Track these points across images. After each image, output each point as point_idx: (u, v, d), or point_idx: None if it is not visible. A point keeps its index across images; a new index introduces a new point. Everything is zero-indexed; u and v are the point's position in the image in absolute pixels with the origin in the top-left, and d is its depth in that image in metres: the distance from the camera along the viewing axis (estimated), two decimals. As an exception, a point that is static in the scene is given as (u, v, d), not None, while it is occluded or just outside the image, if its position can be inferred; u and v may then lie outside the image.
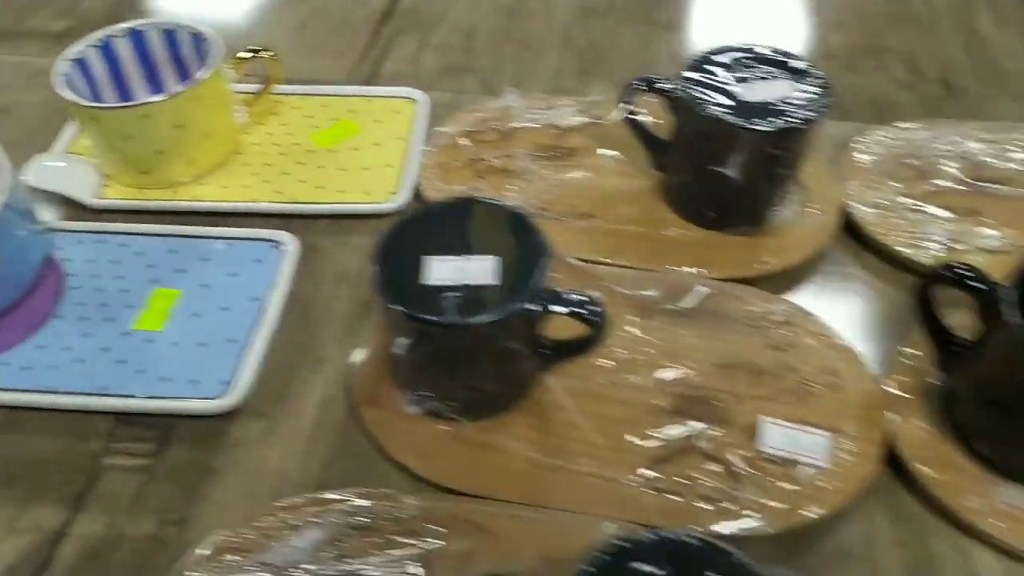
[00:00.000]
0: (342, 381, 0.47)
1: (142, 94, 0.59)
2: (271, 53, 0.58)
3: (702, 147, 0.49)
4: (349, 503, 0.39)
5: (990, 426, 0.41)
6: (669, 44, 0.72)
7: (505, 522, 0.39)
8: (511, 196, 0.54)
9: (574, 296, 0.40)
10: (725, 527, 0.39)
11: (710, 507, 0.40)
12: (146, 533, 0.41)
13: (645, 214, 0.53)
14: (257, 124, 0.60)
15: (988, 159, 0.56)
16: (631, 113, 0.52)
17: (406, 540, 0.37)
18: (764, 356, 0.46)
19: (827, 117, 0.62)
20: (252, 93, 0.59)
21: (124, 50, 0.57)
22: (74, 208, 0.55)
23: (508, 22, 0.73)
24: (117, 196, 0.56)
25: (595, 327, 0.40)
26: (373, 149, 0.59)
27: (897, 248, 0.51)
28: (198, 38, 0.56)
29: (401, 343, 0.40)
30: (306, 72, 0.66)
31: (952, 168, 0.55)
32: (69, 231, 0.53)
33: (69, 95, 0.52)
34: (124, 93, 0.58)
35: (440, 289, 0.39)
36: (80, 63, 0.55)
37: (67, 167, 0.56)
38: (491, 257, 0.40)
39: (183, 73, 0.59)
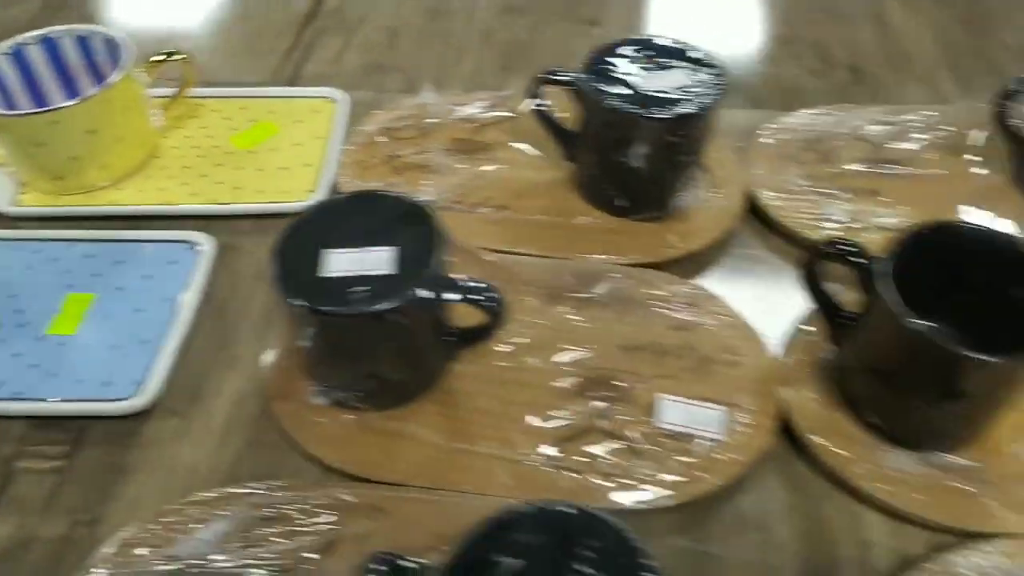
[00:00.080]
0: (257, 377, 0.47)
1: (59, 101, 0.59)
2: (183, 56, 0.58)
3: (605, 137, 0.51)
4: (256, 495, 0.40)
5: (876, 395, 0.43)
6: (591, 40, 0.72)
7: (406, 505, 0.40)
8: (426, 190, 0.55)
9: (469, 283, 0.41)
10: (625, 500, 0.40)
11: (610, 483, 0.41)
12: (58, 534, 0.41)
13: (557, 204, 0.55)
14: (175, 128, 0.61)
15: (887, 141, 0.58)
16: (538, 106, 0.54)
17: (307, 528, 0.38)
18: (668, 337, 0.47)
19: (737, 106, 0.64)
20: (168, 97, 0.60)
21: (37, 58, 0.57)
22: (-9, 217, 0.55)
23: (431, 21, 0.74)
24: (34, 203, 0.56)
25: (492, 313, 0.41)
26: (292, 149, 0.59)
27: (798, 229, 0.53)
28: (111, 44, 0.56)
29: (304, 335, 0.41)
30: (229, 75, 0.67)
31: (853, 151, 0.58)
32: (-16, 240, 0.53)
33: (-22, 104, 0.52)
34: (40, 101, 0.58)
35: (338, 280, 0.40)
36: (-10, 72, 0.55)
37: (-19, 176, 0.57)
38: (389, 248, 0.41)
39: (99, 79, 0.59)
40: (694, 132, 0.50)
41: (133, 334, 0.48)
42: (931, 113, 0.59)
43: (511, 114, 0.60)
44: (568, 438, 0.42)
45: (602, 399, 0.44)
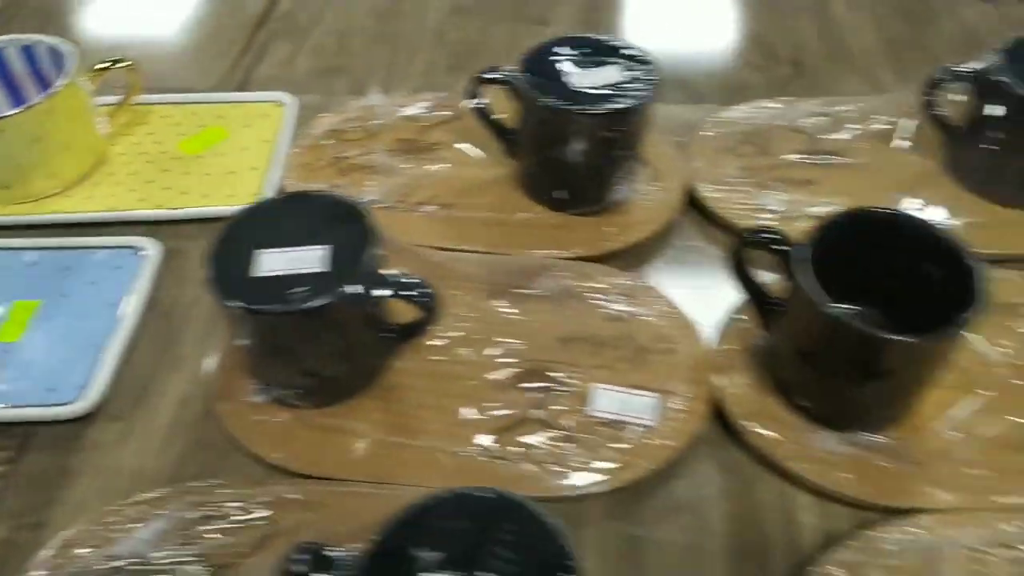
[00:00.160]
0: (201, 379, 0.48)
1: (4, 110, 0.59)
2: (129, 63, 0.59)
3: (542, 134, 0.52)
4: (196, 494, 0.41)
5: (804, 378, 0.44)
6: (539, 39, 0.74)
7: (346, 500, 0.40)
8: (370, 191, 0.56)
9: (401, 279, 0.41)
10: (560, 487, 0.41)
11: (545, 471, 0.42)
12: (1, 538, 0.42)
13: (500, 201, 0.56)
14: (124, 135, 0.61)
15: (822, 132, 0.59)
16: (477, 105, 0.55)
17: (242, 525, 0.38)
18: (605, 328, 0.48)
19: (680, 101, 0.65)
20: (114, 104, 0.60)
21: (-19, 68, 0.58)
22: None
23: (381, 23, 0.75)
24: (-19, 212, 0.56)
25: (426, 308, 0.42)
26: (240, 153, 0.60)
27: (735, 220, 0.54)
28: (55, 52, 0.57)
29: (242, 335, 0.42)
30: (179, 80, 0.67)
31: (790, 143, 0.59)
32: (-71, 250, 0.53)
33: (-79, 114, 0.52)
34: (-14, 111, 0.59)
35: (272, 280, 0.40)
36: (-66, 82, 0.55)
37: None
38: (322, 247, 0.42)
39: (44, 88, 0.59)
40: (628, 127, 0.51)
41: (77, 340, 0.48)
42: (865, 104, 0.61)
43: (455, 114, 0.61)
44: (504, 428, 0.43)
45: (538, 390, 0.45)
